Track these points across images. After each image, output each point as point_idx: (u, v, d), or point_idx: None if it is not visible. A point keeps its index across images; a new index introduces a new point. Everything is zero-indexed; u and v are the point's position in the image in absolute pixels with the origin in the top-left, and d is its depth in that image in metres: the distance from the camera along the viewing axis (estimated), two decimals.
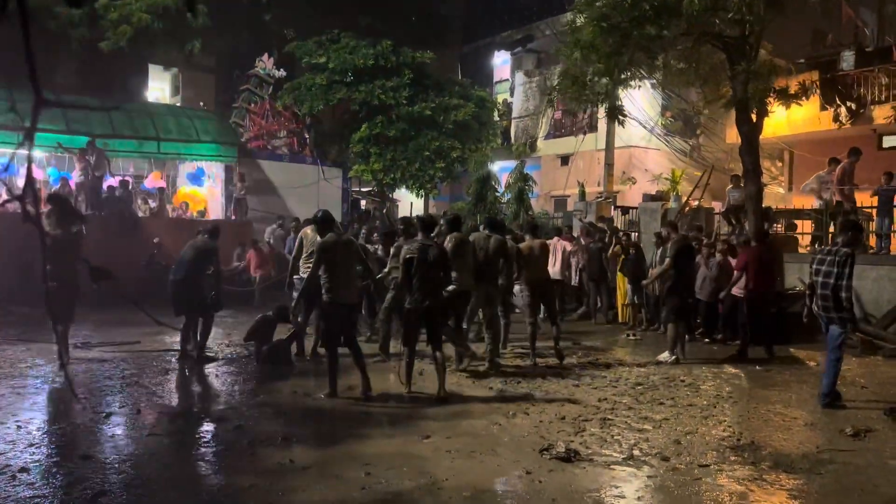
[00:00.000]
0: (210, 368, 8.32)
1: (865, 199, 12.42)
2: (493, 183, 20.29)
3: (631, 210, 16.85)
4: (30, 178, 1.54)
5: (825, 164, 13.40)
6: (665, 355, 9.14)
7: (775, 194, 18.28)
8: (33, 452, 5.08)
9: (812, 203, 13.90)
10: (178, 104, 25.89)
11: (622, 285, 12.47)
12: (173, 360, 8.59)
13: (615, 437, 5.70)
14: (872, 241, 12.32)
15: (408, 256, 6.90)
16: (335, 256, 6.70)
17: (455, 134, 19.54)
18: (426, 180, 19.69)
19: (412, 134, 19.24)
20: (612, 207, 17.40)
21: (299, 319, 8.74)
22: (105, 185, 15.41)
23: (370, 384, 6.91)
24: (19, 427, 5.68)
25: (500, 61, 25.70)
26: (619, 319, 12.73)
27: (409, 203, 22.96)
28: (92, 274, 7.97)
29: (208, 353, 8.81)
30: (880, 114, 15.01)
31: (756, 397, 7.33)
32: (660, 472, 4.91)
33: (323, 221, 7.00)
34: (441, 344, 7.09)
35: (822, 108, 15.71)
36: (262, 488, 4.46)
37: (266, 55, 20.61)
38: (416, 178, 19.57)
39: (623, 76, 12.55)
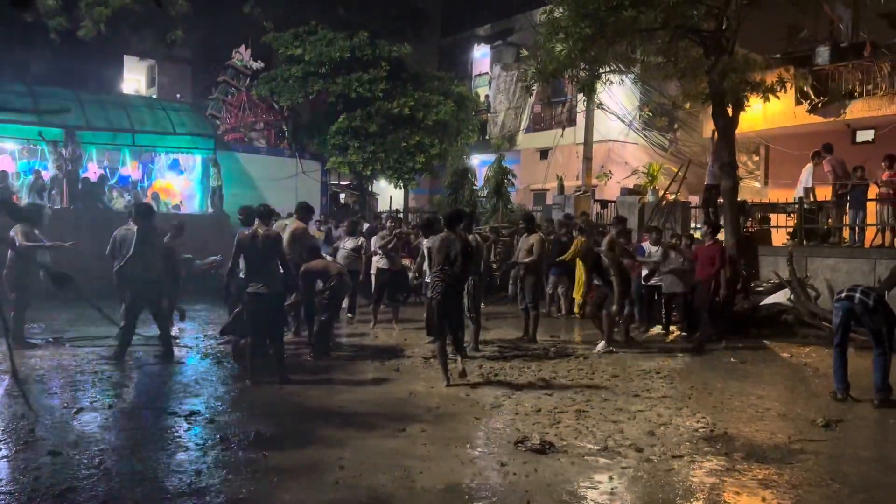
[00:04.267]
0: (187, 362, 8.23)
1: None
2: (471, 177, 20.31)
3: (609, 204, 16.94)
4: None
5: (800, 159, 13.52)
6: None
7: (751, 188, 18.45)
8: (0, 448, 4.98)
9: (788, 197, 14.05)
10: (154, 96, 25.60)
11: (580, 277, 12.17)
12: (145, 355, 8.48)
13: (590, 429, 5.71)
14: (846, 234, 12.49)
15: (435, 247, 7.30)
16: (247, 249, 7.06)
17: (434, 130, 19.46)
18: (405, 171, 19.62)
19: (391, 129, 19.15)
20: (591, 201, 17.47)
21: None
22: (80, 178, 15.20)
23: (284, 374, 7.20)
24: None
25: (480, 55, 25.65)
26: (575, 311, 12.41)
27: (388, 196, 22.89)
28: (53, 280, 8.07)
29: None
30: (854, 108, 15.20)
31: (730, 389, 7.38)
32: (634, 463, 4.93)
33: (259, 215, 7.35)
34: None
35: (798, 103, 15.87)
36: (233, 483, 4.41)
37: (243, 46, 20.41)
38: (394, 169, 19.48)
39: (601, 69, 12.58)
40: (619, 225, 10.02)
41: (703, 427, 5.88)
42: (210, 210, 16.79)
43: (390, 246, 10.87)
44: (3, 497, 4.09)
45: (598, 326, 9.67)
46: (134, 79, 29.17)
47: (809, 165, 13.14)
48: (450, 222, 7.40)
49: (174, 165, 17.89)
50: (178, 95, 24.61)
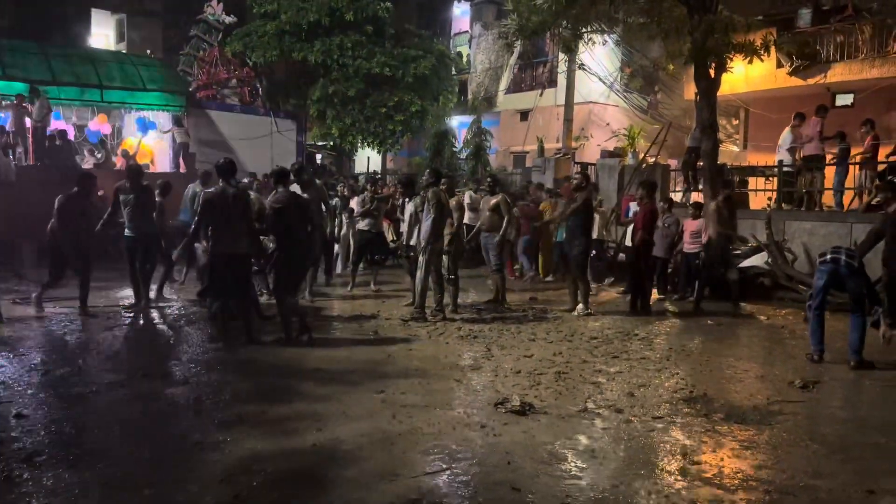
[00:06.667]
0: (158, 324, 8.07)
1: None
2: (451, 138, 20.07)
3: (589, 166, 16.82)
4: None
5: (780, 122, 13.44)
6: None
7: (730, 152, 18.45)
8: None
9: (767, 161, 14.03)
10: (124, 51, 24.81)
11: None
12: (117, 316, 8.28)
13: (570, 390, 5.68)
14: (826, 198, 12.53)
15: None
16: (216, 208, 6.78)
17: (414, 87, 19.10)
18: (385, 136, 19.30)
19: (369, 92, 18.76)
20: (571, 164, 17.34)
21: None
22: (46, 135, 14.69)
23: (253, 335, 7.09)
24: None
25: (460, 12, 25.17)
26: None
27: (365, 158, 22.59)
28: None
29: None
30: (835, 72, 15.17)
31: (708, 351, 7.40)
32: (613, 424, 4.91)
33: (221, 171, 7.00)
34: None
35: (779, 66, 15.80)
36: (208, 445, 4.31)
37: (215, 0, 19.75)
38: (375, 135, 19.15)
39: (583, 29, 12.36)
40: (726, 191, 9.73)
41: (683, 388, 5.87)
42: (183, 169, 16.38)
43: (372, 208, 10.72)
44: None
45: (571, 291, 9.58)
46: (102, 33, 28.15)
47: (788, 129, 13.07)
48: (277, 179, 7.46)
49: (151, 126, 17.35)
50: (148, 51, 23.83)
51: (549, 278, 12.40)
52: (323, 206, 9.86)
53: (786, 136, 12.79)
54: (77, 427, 4.60)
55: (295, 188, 8.48)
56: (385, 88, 18.77)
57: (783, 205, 12.63)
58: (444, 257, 8.92)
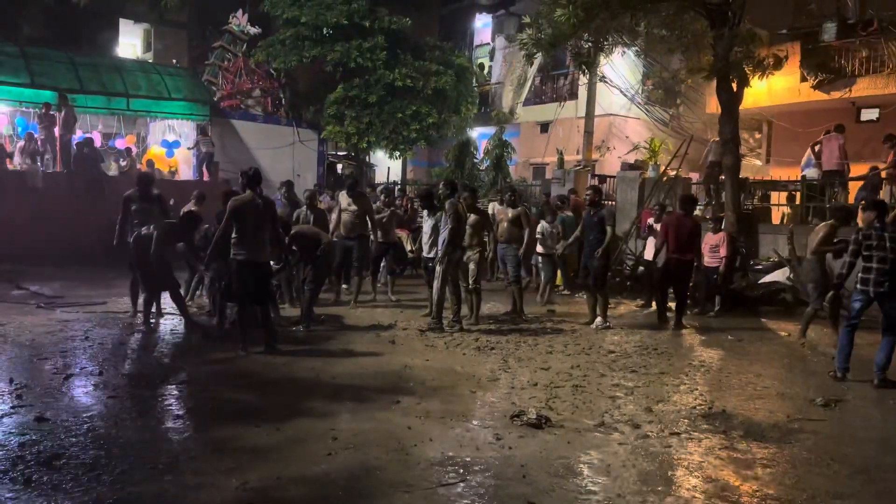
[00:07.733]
0: (178, 330, 8.15)
1: None
2: (472, 149, 20.11)
3: (609, 179, 16.77)
4: None
5: (804, 137, 13.33)
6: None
7: (753, 166, 18.29)
8: None
9: (790, 175, 13.89)
10: (150, 60, 25.20)
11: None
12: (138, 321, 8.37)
13: (587, 404, 5.64)
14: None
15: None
16: (244, 215, 6.81)
17: (432, 100, 19.19)
18: (400, 141, 19.37)
19: (389, 99, 18.88)
20: (591, 176, 17.28)
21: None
22: (73, 143, 14.95)
23: (273, 338, 7.11)
24: None
25: (481, 24, 25.25)
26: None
27: (386, 167, 22.68)
28: None
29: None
30: (860, 86, 15.01)
31: (727, 367, 7.32)
32: (630, 439, 4.87)
33: (249, 180, 7.01)
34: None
35: (803, 80, 15.66)
36: (225, 453, 4.33)
37: (240, 11, 20.01)
38: (390, 139, 19.24)
39: (604, 41, 12.36)
40: (840, 212, 8.57)
41: (701, 404, 5.81)
42: (206, 178, 16.58)
43: (384, 219, 10.74)
44: None
45: (590, 304, 9.51)
46: (129, 43, 28.66)
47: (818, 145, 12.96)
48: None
49: (175, 145, 17.58)
50: (174, 60, 24.17)
51: (565, 291, 12.33)
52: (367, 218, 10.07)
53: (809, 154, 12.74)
54: (97, 431, 4.65)
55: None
56: (404, 97, 18.88)
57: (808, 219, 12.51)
58: (472, 266, 8.94)
